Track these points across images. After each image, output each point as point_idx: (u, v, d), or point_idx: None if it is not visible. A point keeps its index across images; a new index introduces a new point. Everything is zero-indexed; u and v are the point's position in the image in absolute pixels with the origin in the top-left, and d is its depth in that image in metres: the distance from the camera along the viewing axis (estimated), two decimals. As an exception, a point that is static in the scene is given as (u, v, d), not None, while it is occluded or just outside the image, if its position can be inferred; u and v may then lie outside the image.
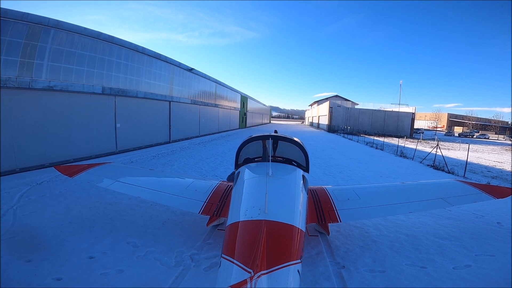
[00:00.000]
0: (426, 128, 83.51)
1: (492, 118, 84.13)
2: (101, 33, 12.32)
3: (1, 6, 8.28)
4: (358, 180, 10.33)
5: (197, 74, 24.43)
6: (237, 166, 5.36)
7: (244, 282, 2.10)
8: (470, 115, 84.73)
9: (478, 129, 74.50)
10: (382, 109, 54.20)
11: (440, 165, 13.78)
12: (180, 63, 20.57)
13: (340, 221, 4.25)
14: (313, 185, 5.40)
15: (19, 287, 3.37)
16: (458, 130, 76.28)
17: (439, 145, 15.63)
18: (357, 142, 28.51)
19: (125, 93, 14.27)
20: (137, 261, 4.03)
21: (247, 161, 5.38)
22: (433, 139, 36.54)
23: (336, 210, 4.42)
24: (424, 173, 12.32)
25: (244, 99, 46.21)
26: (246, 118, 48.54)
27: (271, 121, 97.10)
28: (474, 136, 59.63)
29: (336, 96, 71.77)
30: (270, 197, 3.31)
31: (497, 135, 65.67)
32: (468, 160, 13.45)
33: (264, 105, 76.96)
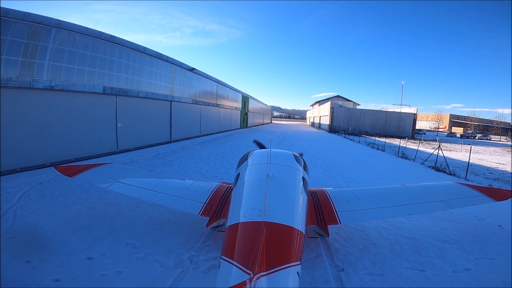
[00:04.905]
0: (428, 129, 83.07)
1: (494, 119, 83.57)
2: (102, 33, 12.35)
3: (3, 6, 8.31)
4: (359, 181, 10.30)
5: (199, 74, 24.43)
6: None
7: (244, 283, 2.10)
8: (472, 115, 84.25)
9: (480, 130, 74.07)
10: (383, 109, 54.01)
11: (441, 166, 13.71)
12: (181, 63, 20.58)
13: (340, 223, 4.24)
14: (313, 187, 5.38)
15: (18, 287, 3.38)
16: (459, 131, 75.80)
17: (441, 147, 15.55)
18: (358, 143, 28.43)
19: (126, 93, 14.29)
20: (136, 262, 4.04)
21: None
22: (435, 140, 36.37)
23: (336, 212, 4.41)
24: (425, 175, 12.28)
25: (245, 99, 46.18)
26: (247, 118, 48.50)
27: (272, 121, 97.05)
28: (476, 137, 59.33)
29: (338, 96, 71.51)
30: (270, 199, 3.31)
31: (499, 136, 65.31)
32: (470, 161, 13.39)
33: (266, 105, 76.86)
